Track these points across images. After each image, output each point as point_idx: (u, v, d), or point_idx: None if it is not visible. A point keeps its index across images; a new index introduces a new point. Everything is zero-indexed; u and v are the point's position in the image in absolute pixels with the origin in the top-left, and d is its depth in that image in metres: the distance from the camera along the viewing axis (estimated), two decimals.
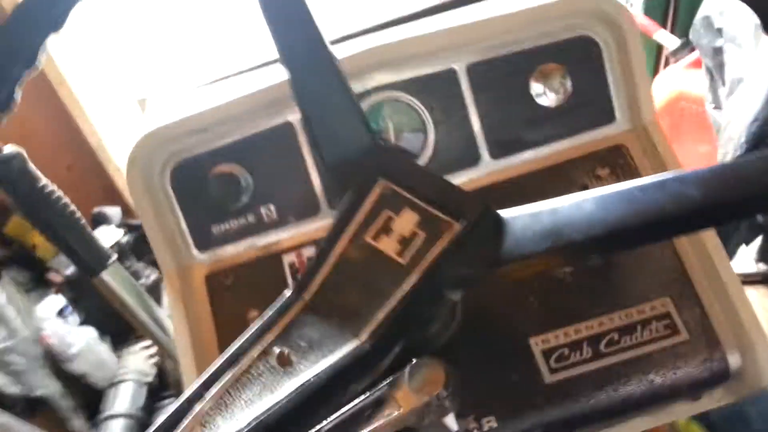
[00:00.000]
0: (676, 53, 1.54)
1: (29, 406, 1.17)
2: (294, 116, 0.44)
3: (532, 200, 0.35)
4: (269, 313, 0.29)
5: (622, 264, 0.40)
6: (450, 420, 0.38)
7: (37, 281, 1.40)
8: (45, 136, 1.54)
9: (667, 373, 0.37)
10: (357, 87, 0.43)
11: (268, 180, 0.45)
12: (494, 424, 0.37)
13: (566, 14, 0.43)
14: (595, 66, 0.44)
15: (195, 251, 0.45)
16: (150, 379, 1.30)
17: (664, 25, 1.59)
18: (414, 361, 0.32)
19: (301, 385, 0.27)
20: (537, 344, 0.39)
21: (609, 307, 0.39)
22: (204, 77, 0.54)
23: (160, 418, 0.26)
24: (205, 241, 0.45)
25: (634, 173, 0.43)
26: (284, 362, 0.28)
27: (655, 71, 1.67)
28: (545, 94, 0.44)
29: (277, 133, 0.44)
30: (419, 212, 0.31)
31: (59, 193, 0.54)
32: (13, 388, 1.15)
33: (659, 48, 1.59)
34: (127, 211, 1.68)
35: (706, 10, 1.24)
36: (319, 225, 0.45)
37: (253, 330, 0.29)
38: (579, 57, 0.44)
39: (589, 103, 0.44)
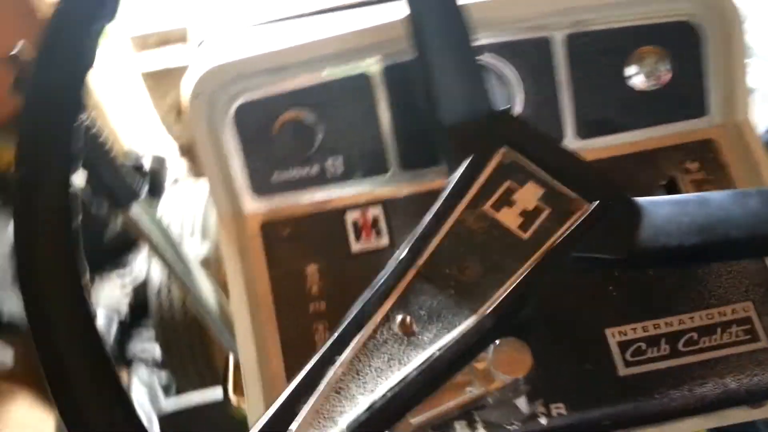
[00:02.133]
0: None
1: None
2: (373, 68, 0.41)
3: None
4: (384, 276, 0.27)
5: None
6: (521, 402, 0.36)
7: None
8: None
9: (743, 379, 0.37)
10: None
11: (339, 132, 0.42)
12: (564, 412, 0.36)
13: None
14: (696, 55, 0.42)
15: (253, 197, 0.42)
16: (122, 317, 1.27)
17: None
18: (499, 340, 0.31)
19: (429, 358, 0.25)
20: (613, 335, 0.38)
21: (690, 305, 0.38)
22: (261, 16, 0.50)
23: (295, 380, 0.24)
24: (264, 188, 0.42)
25: (724, 170, 0.41)
26: (407, 330, 0.25)
27: None
28: (640, 77, 0.42)
29: (353, 83, 0.41)
30: (545, 186, 0.29)
31: (91, 122, 0.50)
32: None
33: None
34: None
35: None
36: (387, 185, 0.42)
37: (372, 291, 0.26)
38: (680, 43, 0.42)
39: (684, 93, 0.42)
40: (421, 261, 0.28)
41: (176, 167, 1.43)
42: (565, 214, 0.28)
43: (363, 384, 0.24)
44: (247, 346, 0.38)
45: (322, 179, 0.42)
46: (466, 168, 0.29)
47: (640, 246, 0.27)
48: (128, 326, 1.29)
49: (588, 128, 0.43)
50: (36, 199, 0.25)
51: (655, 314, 0.38)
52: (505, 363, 0.31)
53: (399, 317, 0.26)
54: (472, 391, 0.31)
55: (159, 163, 1.47)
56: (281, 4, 0.50)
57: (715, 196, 0.29)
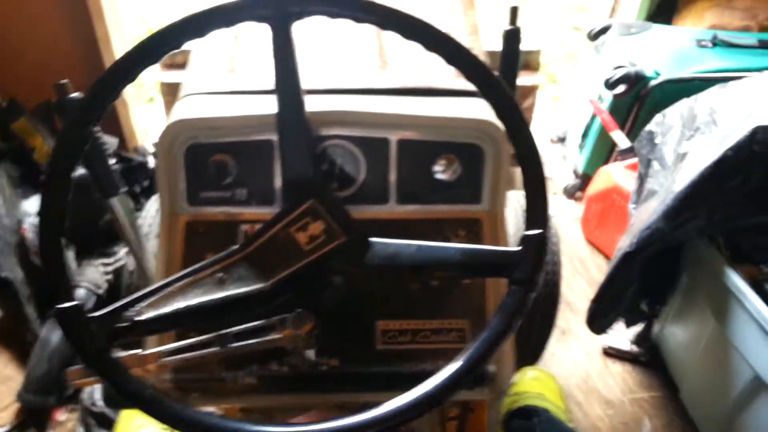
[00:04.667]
0: (624, 153, 1.80)
1: None
2: (276, 138, 0.65)
3: (414, 236, 0.57)
4: (223, 253, 0.51)
5: (448, 292, 0.63)
6: (311, 353, 0.60)
7: (28, 180, 1.57)
8: (66, 54, 1.71)
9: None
10: (322, 131, 0.65)
11: (247, 174, 0.66)
12: (337, 365, 0.60)
13: (470, 128, 0.66)
14: (478, 165, 0.66)
15: (185, 204, 0.66)
16: (101, 291, 1.50)
17: (622, 127, 1.84)
18: (298, 310, 0.54)
19: (224, 296, 0.49)
20: (380, 326, 0.61)
21: (431, 314, 0.62)
22: (233, 83, 0.75)
23: (147, 288, 0.48)
24: (194, 199, 0.66)
25: (479, 239, 0.65)
26: (221, 282, 0.50)
27: (605, 161, 1.93)
28: (442, 172, 0.67)
29: (262, 145, 0.66)
30: (326, 224, 0.53)
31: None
32: None
33: (613, 143, 1.84)
34: (122, 143, 1.86)
35: (653, 125, 1.48)
36: (271, 211, 0.66)
37: (210, 259, 0.50)
38: (470, 156, 0.66)
39: (468, 187, 0.67)
40: (247, 250, 0.52)
41: None
42: (332, 240, 0.52)
43: (185, 299, 0.48)
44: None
45: (231, 201, 0.66)
46: (287, 206, 0.53)
47: (368, 262, 0.51)
48: (104, 301, 1.52)
49: (404, 198, 0.67)
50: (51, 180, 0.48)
51: (408, 316, 0.62)
52: (297, 322, 0.54)
53: (219, 274, 0.50)
54: (273, 336, 0.54)
55: None
56: (248, 78, 0.74)
57: (430, 244, 0.52)
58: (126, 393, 0.44)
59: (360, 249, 0.51)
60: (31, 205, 1.49)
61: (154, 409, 0.44)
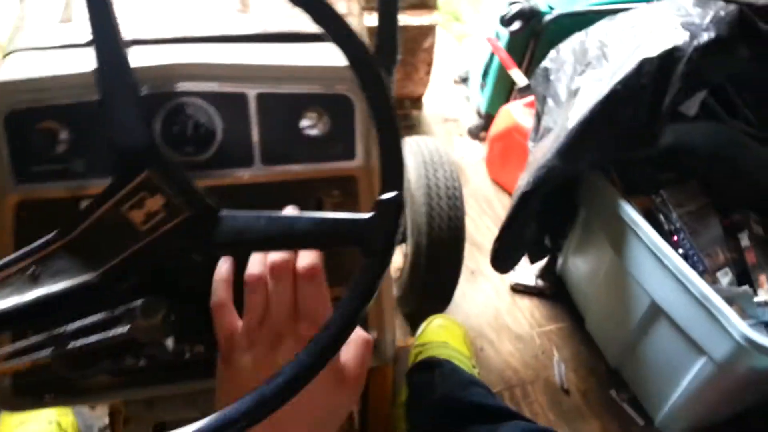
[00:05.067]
0: (522, 91, 1.79)
1: None
2: None
3: (283, 200, 0.51)
4: (36, 243, 0.43)
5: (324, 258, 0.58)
6: (169, 341, 0.54)
7: None
8: None
9: None
10: (171, 87, 0.57)
11: (84, 141, 0.57)
12: (201, 350, 0.54)
13: (337, 77, 0.59)
14: (349, 117, 0.61)
15: (12, 181, 0.57)
16: None
17: (520, 64, 1.83)
18: (146, 297, 0.48)
19: (41, 295, 0.41)
20: None
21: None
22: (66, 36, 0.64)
23: None
24: (23, 175, 0.57)
25: (355, 197, 0.60)
26: (33, 278, 0.42)
27: (506, 100, 1.92)
28: (310, 128, 0.60)
29: (97, 106, 0.57)
30: (166, 198, 0.46)
31: None
32: None
33: (513, 82, 1.83)
34: None
35: (547, 62, 1.47)
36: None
37: (18, 253, 0.42)
38: (338, 108, 0.60)
39: (340, 141, 0.61)
40: (67, 238, 0.44)
41: None
42: (173, 217, 0.45)
43: None
44: None
45: (68, 174, 0.58)
46: (116, 181, 0.46)
47: (214, 240, 0.45)
48: None
49: (270, 158, 0.60)
50: None
51: None
52: (145, 311, 0.48)
53: (32, 268, 0.42)
54: (119, 330, 0.48)
55: None
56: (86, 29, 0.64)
57: (283, 215, 0.46)
58: None
59: (206, 225, 0.45)
60: None
61: None
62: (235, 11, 0.70)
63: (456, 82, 2.30)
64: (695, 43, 1.10)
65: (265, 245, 0.46)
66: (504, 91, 1.92)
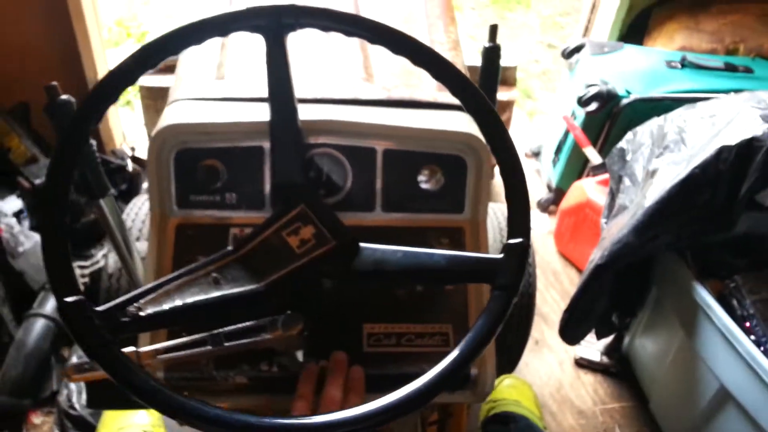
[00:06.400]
0: (596, 169, 1.85)
1: None
2: (266, 145, 0.67)
3: (399, 244, 0.59)
4: (216, 255, 0.52)
5: (432, 297, 0.65)
6: (299, 354, 0.61)
7: (4, 181, 1.55)
8: (45, 55, 1.70)
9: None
10: (311, 139, 0.67)
11: (237, 178, 0.68)
12: (325, 365, 0.61)
13: (453, 140, 0.68)
14: (461, 176, 0.69)
15: (175, 207, 0.67)
16: None
17: (595, 143, 1.90)
18: (288, 312, 0.56)
19: (220, 295, 0.50)
20: (366, 329, 0.63)
21: (415, 319, 0.64)
22: (222, 90, 0.76)
23: (146, 285, 0.49)
24: (183, 202, 0.67)
25: (462, 247, 0.68)
26: (216, 282, 0.51)
27: (578, 176, 1.98)
28: (426, 182, 0.69)
29: (252, 151, 0.67)
30: (316, 228, 0.55)
31: None
32: None
33: (586, 159, 1.89)
34: (99, 146, 1.85)
35: (624, 143, 1.53)
36: (261, 216, 0.68)
37: (205, 260, 0.52)
38: (453, 167, 0.69)
39: (451, 196, 0.69)
40: (241, 252, 0.53)
41: None
42: (322, 244, 0.54)
43: (180, 297, 0.49)
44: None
45: (221, 205, 0.68)
46: (279, 210, 0.55)
47: (356, 268, 0.53)
48: None
49: (389, 206, 0.69)
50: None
51: (394, 320, 0.64)
52: (287, 324, 0.56)
53: (214, 274, 0.51)
54: (264, 336, 0.56)
55: (140, 167, 1.72)
56: (237, 86, 0.76)
57: (417, 250, 0.54)
58: (130, 385, 0.45)
59: (349, 254, 0.53)
60: (8, 205, 1.48)
61: (159, 400, 0.45)
62: (361, 80, 0.81)
63: (527, 155, 2.38)
64: None
65: (402, 276, 0.54)
66: (576, 167, 1.99)
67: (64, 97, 0.72)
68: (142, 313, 0.48)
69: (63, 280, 0.46)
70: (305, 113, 0.69)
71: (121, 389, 0.45)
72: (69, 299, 0.45)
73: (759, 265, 1.42)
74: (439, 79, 0.54)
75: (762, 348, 1.24)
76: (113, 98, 0.51)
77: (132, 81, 0.52)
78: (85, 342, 0.46)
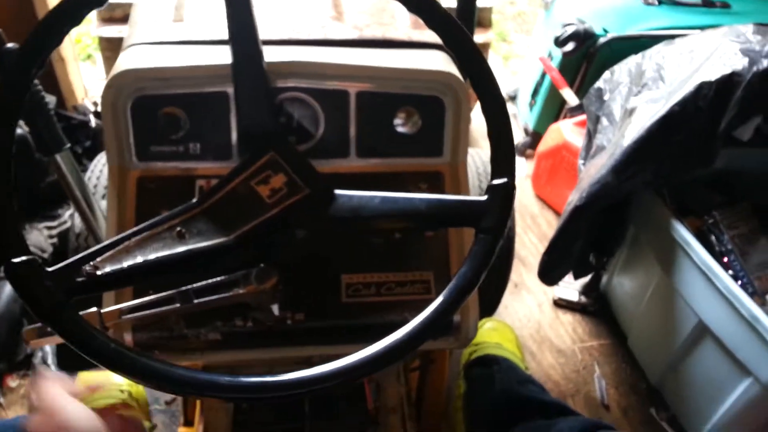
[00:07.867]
0: (573, 110, 1.82)
1: None
2: (230, 90, 0.63)
3: (376, 190, 0.56)
4: (181, 207, 0.49)
5: (412, 244, 0.62)
6: (275, 308, 0.59)
7: None
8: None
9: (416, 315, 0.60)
10: (279, 83, 0.63)
11: (201, 127, 0.64)
12: (302, 318, 0.59)
13: (430, 80, 0.65)
14: (438, 117, 0.66)
15: (135, 158, 0.63)
16: (46, 255, 1.44)
17: (571, 84, 1.87)
18: (261, 265, 0.53)
19: (185, 250, 0.47)
20: (345, 279, 0.61)
21: (395, 267, 0.62)
22: (181, 33, 0.71)
23: (103, 243, 0.45)
24: (143, 154, 0.63)
25: (441, 192, 0.65)
26: (180, 236, 0.48)
27: (555, 119, 1.96)
28: (403, 125, 0.66)
29: (215, 96, 0.63)
30: (288, 176, 0.51)
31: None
32: None
33: (563, 101, 1.86)
34: (60, 102, 1.77)
35: (601, 82, 1.51)
36: (227, 166, 0.64)
37: (168, 214, 0.48)
38: (430, 108, 0.66)
39: (429, 139, 0.66)
40: (206, 204, 0.50)
41: None
42: (294, 193, 0.51)
43: (143, 253, 0.46)
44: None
45: (184, 155, 0.64)
46: (246, 159, 0.52)
47: (326, 217, 0.50)
48: (50, 264, 1.46)
49: (365, 151, 0.66)
50: None
51: (373, 269, 0.61)
52: (260, 278, 0.53)
53: (179, 228, 0.48)
54: (237, 291, 0.53)
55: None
56: (197, 28, 0.71)
57: (395, 195, 0.51)
58: (88, 350, 0.42)
59: (324, 201, 0.50)
60: None
61: (120, 364, 0.42)
62: (330, 19, 0.76)
63: None
64: (754, 69, 1.12)
65: (380, 223, 0.51)
66: (553, 110, 1.96)
67: (10, 45, 0.66)
68: (99, 272, 0.44)
69: (9, 240, 0.42)
70: (271, 55, 0.65)
71: (79, 353, 0.42)
72: (16, 260, 0.42)
73: (736, 200, 1.43)
74: (415, 11, 0.50)
75: (740, 282, 1.26)
76: (57, 39, 0.46)
77: (77, 20, 0.47)
78: (36, 305, 0.42)
